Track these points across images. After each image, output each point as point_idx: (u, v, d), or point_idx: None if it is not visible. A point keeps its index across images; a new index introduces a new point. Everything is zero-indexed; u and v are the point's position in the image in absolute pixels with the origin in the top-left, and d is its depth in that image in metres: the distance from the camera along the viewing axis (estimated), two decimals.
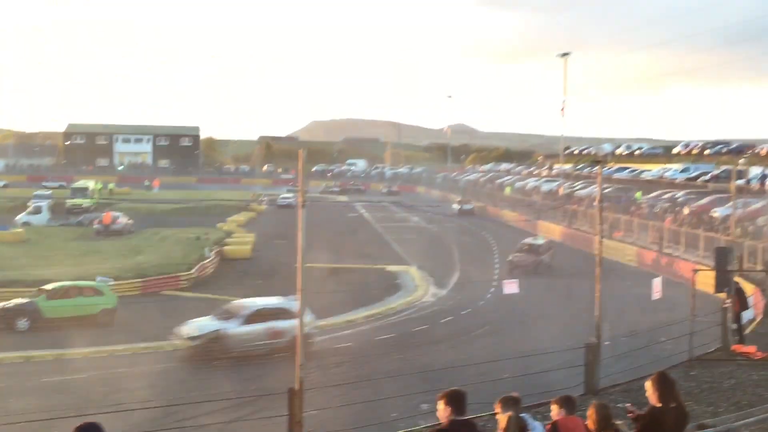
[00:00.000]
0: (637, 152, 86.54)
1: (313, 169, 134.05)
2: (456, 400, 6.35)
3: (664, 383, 7.37)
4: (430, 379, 18.75)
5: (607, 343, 19.63)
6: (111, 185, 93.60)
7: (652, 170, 69.01)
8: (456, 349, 25.05)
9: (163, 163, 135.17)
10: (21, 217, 59.30)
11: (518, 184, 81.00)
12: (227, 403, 17.93)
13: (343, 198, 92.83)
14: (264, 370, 22.05)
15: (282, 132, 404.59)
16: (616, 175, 65.95)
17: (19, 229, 52.33)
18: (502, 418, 7.08)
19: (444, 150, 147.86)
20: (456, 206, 73.49)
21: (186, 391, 19.46)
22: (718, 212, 44.22)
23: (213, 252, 43.72)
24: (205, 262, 40.73)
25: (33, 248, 45.61)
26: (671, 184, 57.74)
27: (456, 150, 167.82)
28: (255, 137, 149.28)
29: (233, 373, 21.85)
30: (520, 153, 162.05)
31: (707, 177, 57.63)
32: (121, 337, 26.70)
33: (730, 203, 32.22)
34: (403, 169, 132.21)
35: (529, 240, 44.87)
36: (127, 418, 16.08)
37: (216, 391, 19.33)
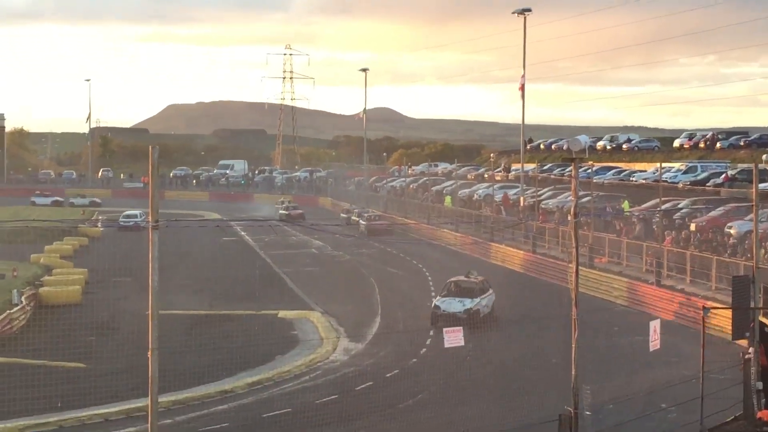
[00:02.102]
0: (625, 146, 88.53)
1: (172, 173, 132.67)
2: None
3: None
4: None
5: (588, 413, 19.90)
6: None
7: (646, 171, 70.57)
8: (378, 429, 24.96)
9: None
10: None
11: (462, 192, 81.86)
12: None
13: (215, 216, 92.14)
14: None
15: (126, 122, 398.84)
16: (598, 178, 67.37)
17: None
18: None
19: (358, 145, 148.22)
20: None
21: None
22: (735, 228, 45.55)
23: (24, 297, 42.68)
24: (12, 311, 39.72)
25: None
26: (672, 190, 59.24)
27: (375, 145, 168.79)
28: (86, 129, 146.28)
29: None
30: (464, 149, 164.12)
31: (720, 179, 59.42)
32: None
33: (751, 216, 33.23)
34: (300, 173, 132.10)
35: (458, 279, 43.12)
36: None
37: None
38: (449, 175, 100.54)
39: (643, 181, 65.86)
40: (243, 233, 76.85)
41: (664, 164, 57.81)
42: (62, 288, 46.90)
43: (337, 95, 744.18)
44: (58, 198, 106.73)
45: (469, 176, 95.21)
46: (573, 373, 18.11)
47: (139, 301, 28.89)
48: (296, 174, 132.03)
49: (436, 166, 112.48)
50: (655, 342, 22.40)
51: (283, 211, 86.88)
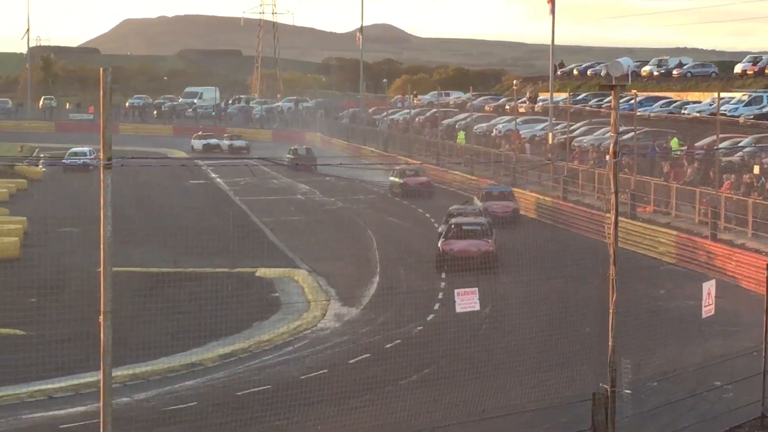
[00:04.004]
0: (675, 72, 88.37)
1: (128, 102, 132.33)
2: None
3: None
4: None
5: (627, 391, 19.99)
6: None
7: (701, 102, 70.38)
8: (375, 409, 25.09)
9: None
10: None
11: (478, 127, 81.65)
12: None
13: (180, 154, 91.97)
14: None
15: (73, 40, 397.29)
16: (642, 111, 67.25)
17: None
18: None
19: (353, 70, 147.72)
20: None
21: None
22: None
23: None
24: None
25: None
26: (732, 125, 59.10)
27: (374, 70, 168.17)
28: (23, 49, 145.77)
29: None
30: (481, 74, 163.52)
31: None
32: None
33: None
34: (282, 103, 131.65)
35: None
36: None
37: None
38: (463, 106, 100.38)
39: (697, 115, 65.71)
40: (214, 175, 76.74)
41: (722, 94, 57.60)
42: None
43: (328, 9, 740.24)
44: (214, 140, 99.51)
45: (486, 108, 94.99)
46: (610, 344, 18.21)
47: (89, 255, 28.98)
48: (278, 104, 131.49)
49: (448, 95, 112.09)
50: (709, 307, 22.50)
51: (395, 178, 67.56)
